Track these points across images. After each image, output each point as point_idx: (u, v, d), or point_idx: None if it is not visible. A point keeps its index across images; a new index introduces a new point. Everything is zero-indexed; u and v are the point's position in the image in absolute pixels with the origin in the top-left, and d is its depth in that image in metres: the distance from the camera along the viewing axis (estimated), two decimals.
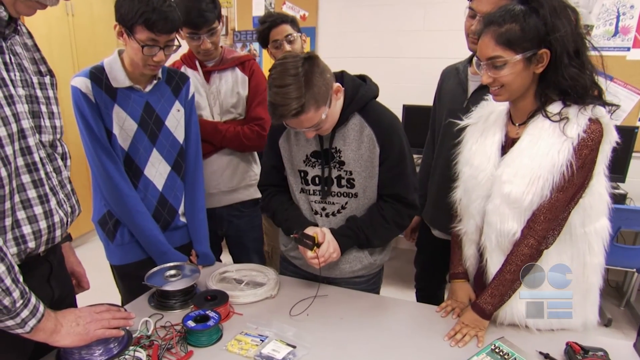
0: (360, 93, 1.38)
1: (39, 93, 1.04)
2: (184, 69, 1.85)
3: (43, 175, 1.01)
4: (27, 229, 0.98)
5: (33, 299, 0.95)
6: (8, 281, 0.89)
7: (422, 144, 1.97)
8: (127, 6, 1.32)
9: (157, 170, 1.58)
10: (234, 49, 3.22)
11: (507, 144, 1.26)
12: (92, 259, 1.81)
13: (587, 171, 1.15)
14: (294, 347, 1.19)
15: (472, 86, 1.64)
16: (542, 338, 1.25)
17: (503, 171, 1.21)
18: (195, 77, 1.84)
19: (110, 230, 1.58)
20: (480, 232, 1.31)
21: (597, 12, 2.98)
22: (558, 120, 1.13)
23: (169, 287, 1.39)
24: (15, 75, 0.97)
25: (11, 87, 0.94)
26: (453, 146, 1.43)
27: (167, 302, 1.39)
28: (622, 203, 2.69)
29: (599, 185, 1.19)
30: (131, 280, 1.54)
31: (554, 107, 1.15)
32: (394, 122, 1.41)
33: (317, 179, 1.46)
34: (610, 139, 1.14)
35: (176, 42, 1.43)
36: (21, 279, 0.93)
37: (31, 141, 0.98)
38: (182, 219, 1.68)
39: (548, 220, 1.17)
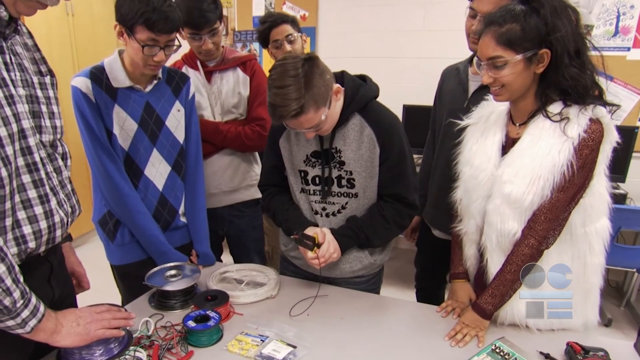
0: (360, 93, 1.38)
1: (39, 93, 1.04)
2: (185, 69, 1.85)
3: (43, 175, 1.01)
4: (27, 229, 0.98)
5: (33, 299, 0.95)
6: (8, 281, 0.89)
7: (422, 144, 1.97)
8: (127, 6, 1.32)
9: (157, 170, 1.58)
10: (234, 48, 3.22)
11: (508, 144, 1.26)
12: (93, 259, 1.81)
13: (588, 171, 1.15)
14: (294, 347, 1.19)
15: (472, 86, 1.64)
16: (543, 338, 1.25)
17: (503, 171, 1.21)
18: (196, 77, 1.85)
19: (110, 230, 1.58)
20: (481, 232, 1.31)
21: (597, 12, 2.99)
22: (559, 120, 1.13)
23: (169, 287, 1.39)
24: (15, 75, 0.97)
25: (11, 87, 0.94)
26: (453, 146, 1.43)
27: (167, 302, 1.39)
28: (622, 203, 2.69)
29: (600, 185, 1.19)
30: (131, 280, 1.53)
31: (555, 107, 1.15)
32: (394, 122, 1.41)
33: (317, 179, 1.46)
34: (611, 139, 1.14)
35: (176, 42, 1.43)
36: (22, 279, 0.93)
37: (31, 141, 0.98)
38: (183, 219, 1.68)
39: (549, 220, 1.17)
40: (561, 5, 1.11)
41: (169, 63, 1.59)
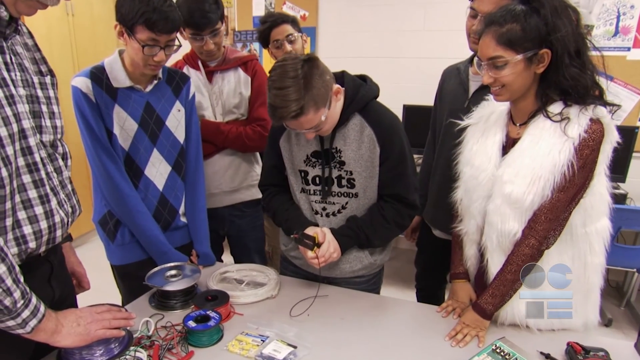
0: (360, 93, 1.38)
1: (39, 93, 1.04)
2: (186, 69, 1.85)
3: (44, 175, 1.01)
4: (27, 229, 0.98)
5: (34, 299, 0.95)
6: (9, 281, 0.89)
7: (423, 144, 1.97)
8: (127, 6, 1.32)
9: (157, 170, 1.57)
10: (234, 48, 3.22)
11: (508, 144, 1.26)
12: (93, 259, 1.81)
13: (588, 171, 1.15)
14: (294, 347, 1.19)
15: (473, 86, 1.64)
16: (543, 338, 1.25)
17: (504, 171, 1.21)
18: (197, 77, 1.85)
19: (110, 231, 1.58)
20: (481, 232, 1.31)
21: (598, 12, 2.98)
22: (559, 121, 1.13)
23: (169, 287, 1.39)
24: (16, 75, 0.97)
25: (12, 87, 0.94)
26: (454, 146, 1.43)
27: (167, 302, 1.39)
28: (623, 203, 2.69)
29: (600, 185, 1.19)
30: (132, 280, 1.54)
31: (555, 107, 1.15)
32: (394, 122, 1.41)
33: (317, 179, 1.46)
34: (612, 139, 1.14)
35: (177, 42, 1.43)
36: (22, 279, 0.93)
37: (32, 141, 0.98)
38: (183, 219, 1.68)
39: (549, 221, 1.17)
40: (561, 5, 1.11)
41: (170, 63, 1.59)
